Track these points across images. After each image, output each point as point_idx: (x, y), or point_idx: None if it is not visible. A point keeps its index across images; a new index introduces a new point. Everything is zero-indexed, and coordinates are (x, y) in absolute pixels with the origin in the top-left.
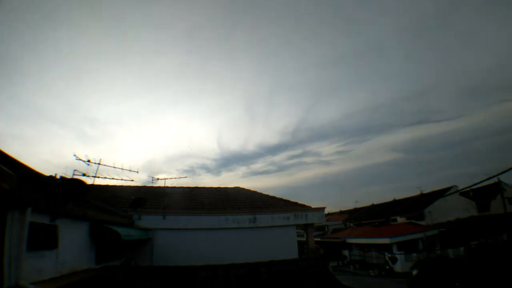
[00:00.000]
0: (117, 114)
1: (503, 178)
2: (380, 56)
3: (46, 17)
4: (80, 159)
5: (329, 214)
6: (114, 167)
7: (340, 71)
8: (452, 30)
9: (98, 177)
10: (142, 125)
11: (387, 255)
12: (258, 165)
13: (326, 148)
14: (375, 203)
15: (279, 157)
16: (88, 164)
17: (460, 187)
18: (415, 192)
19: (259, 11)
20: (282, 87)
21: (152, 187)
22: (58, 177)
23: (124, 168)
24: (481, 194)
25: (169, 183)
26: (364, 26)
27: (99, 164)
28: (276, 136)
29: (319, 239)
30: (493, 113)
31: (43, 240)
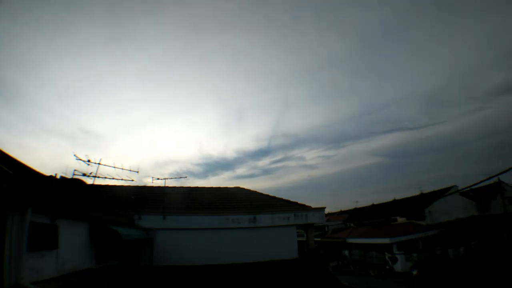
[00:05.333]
0: (108, 126)
1: (503, 178)
2: (341, 69)
3: (41, 42)
4: (80, 159)
5: (329, 214)
6: (114, 167)
7: (301, 88)
8: (416, 41)
9: (98, 177)
10: (130, 135)
11: (387, 255)
12: (242, 169)
13: (308, 153)
14: (375, 203)
15: (262, 162)
16: (88, 164)
17: (460, 187)
18: (414, 192)
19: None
20: (252, 103)
21: (152, 187)
22: (58, 177)
23: (124, 168)
24: (481, 194)
25: (165, 183)
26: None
27: (99, 164)
28: (253, 143)
29: (319, 239)
30: (467, 121)
31: (43, 240)
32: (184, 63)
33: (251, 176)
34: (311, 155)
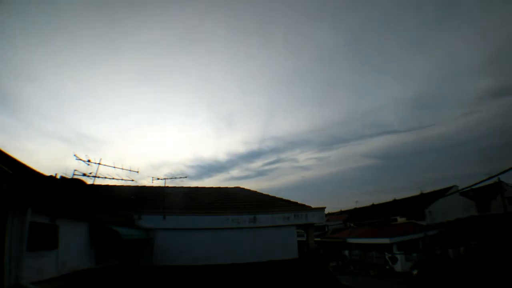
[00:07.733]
0: (104, 130)
1: (503, 178)
2: (330, 73)
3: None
4: (81, 159)
5: (329, 214)
6: (114, 167)
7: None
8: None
9: (98, 177)
10: (125, 139)
11: (387, 255)
12: (236, 171)
13: (300, 155)
14: (375, 203)
15: (255, 164)
16: (88, 164)
17: (460, 187)
18: (414, 192)
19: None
20: (240, 107)
21: (152, 187)
22: (58, 177)
23: (124, 168)
24: (481, 194)
25: (164, 184)
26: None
27: (99, 164)
28: (244, 146)
29: (319, 239)
30: (463, 123)
31: (43, 240)
32: (176, 71)
33: (246, 177)
34: (303, 157)
